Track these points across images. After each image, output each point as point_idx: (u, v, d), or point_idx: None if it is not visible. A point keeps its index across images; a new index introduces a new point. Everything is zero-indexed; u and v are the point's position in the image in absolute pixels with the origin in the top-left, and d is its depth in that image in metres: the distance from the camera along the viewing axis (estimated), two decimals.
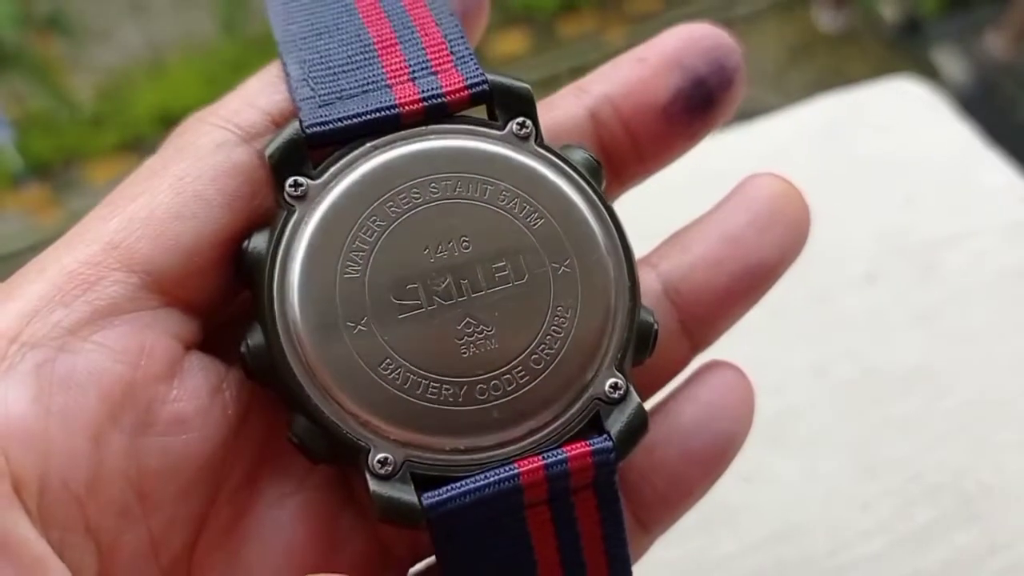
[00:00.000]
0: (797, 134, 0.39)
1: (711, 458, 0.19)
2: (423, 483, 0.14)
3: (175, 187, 0.15)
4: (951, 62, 1.18)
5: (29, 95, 1.48)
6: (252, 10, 1.44)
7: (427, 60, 0.16)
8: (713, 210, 0.19)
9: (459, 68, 0.16)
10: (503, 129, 0.16)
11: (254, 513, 0.16)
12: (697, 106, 0.18)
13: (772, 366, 0.33)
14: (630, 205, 0.41)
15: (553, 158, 0.16)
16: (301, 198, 0.15)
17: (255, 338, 0.15)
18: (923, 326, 0.33)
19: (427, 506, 0.14)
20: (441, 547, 0.15)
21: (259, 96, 0.16)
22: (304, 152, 0.15)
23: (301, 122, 0.15)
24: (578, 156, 0.17)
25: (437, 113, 0.16)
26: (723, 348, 0.33)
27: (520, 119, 0.16)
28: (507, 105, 0.16)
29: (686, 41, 0.18)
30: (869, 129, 0.39)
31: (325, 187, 0.15)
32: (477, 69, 0.16)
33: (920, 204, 0.36)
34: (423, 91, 0.16)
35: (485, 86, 0.16)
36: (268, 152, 0.15)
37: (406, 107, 0.16)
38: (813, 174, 0.38)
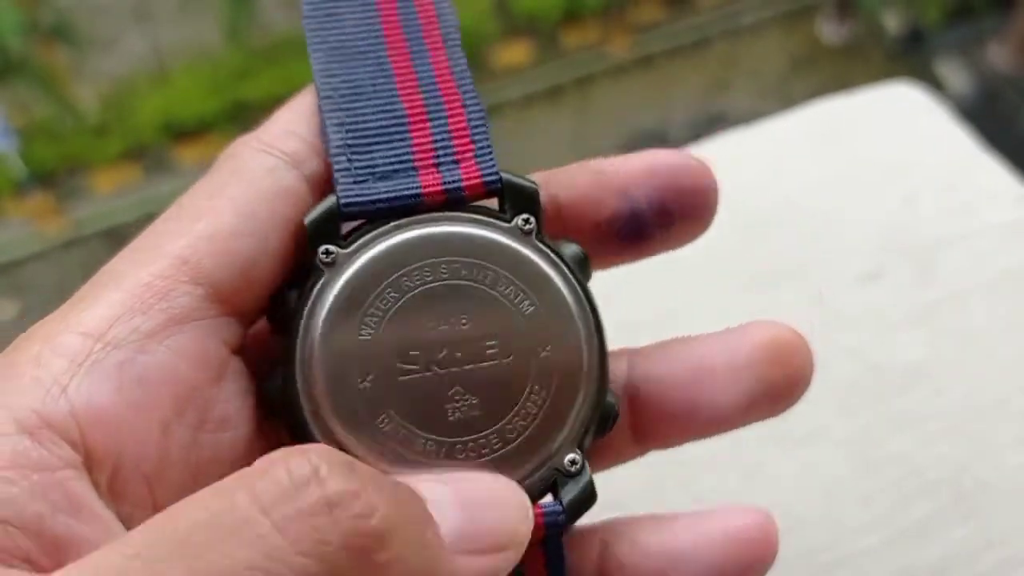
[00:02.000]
0: (797, 136, 0.40)
1: None
2: None
3: (234, 208, 0.17)
4: (954, 73, 1.18)
5: (33, 103, 1.49)
6: (256, 19, 1.46)
7: (452, 146, 0.18)
8: (711, 337, 0.19)
9: (478, 161, 0.18)
10: (510, 222, 0.18)
11: None
12: (627, 236, 0.19)
13: None
14: None
15: (549, 252, 0.18)
16: (330, 264, 0.17)
17: (275, 380, 0.17)
18: (922, 325, 0.34)
19: None
20: None
21: (298, 125, 0.18)
22: (337, 224, 0.18)
23: (339, 198, 0.18)
24: (569, 251, 0.19)
25: (455, 201, 0.18)
26: None
27: (525, 215, 0.18)
28: (515, 201, 0.18)
29: (644, 169, 0.19)
30: (868, 132, 0.39)
31: (351, 257, 0.17)
32: (493, 165, 0.18)
33: (919, 205, 0.37)
34: (445, 181, 0.18)
35: (499, 184, 0.18)
36: (307, 221, 0.17)
37: (429, 195, 0.18)
38: (813, 176, 0.38)
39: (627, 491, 0.31)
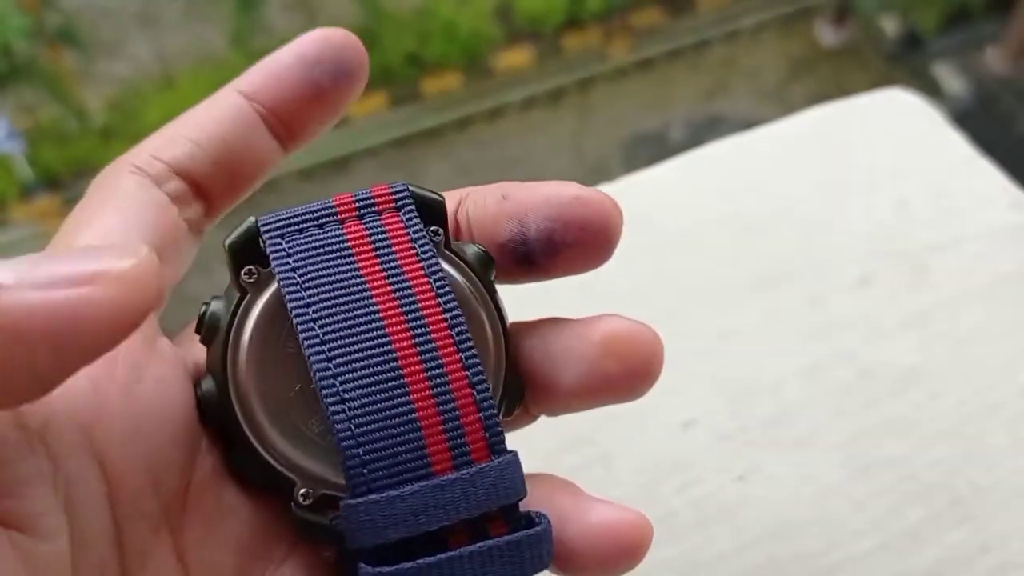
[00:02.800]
0: (793, 142, 0.40)
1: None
2: (330, 506, 0.18)
3: (119, 214, 0.19)
4: (951, 77, 1.19)
5: (40, 107, 1.49)
6: (261, 24, 1.46)
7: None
8: (570, 323, 0.20)
9: (391, 188, 0.19)
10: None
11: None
12: (518, 260, 0.20)
13: (767, 367, 0.33)
14: (635, 218, 0.41)
15: (454, 257, 0.19)
16: (253, 284, 0.18)
17: (207, 385, 0.18)
18: (916, 329, 0.34)
19: (333, 524, 0.18)
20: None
21: (163, 152, 0.20)
22: (257, 244, 0.18)
23: (256, 219, 0.18)
24: (470, 251, 0.19)
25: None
26: (720, 350, 0.34)
27: (434, 228, 0.19)
28: (425, 213, 0.19)
29: (542, 199, 0.19)
30: (863, 137, 0.40)
31: (272, 276, 0.18)
32: (404, 186, 0.19)
33: (913, 209, 0.37)
34: (357, 197, 0.19)
35: (406, 194, 0.19)
36: (227, 243, 0.18)
37: (341, 205, 0.19)
38: (809, 181, 0.39)
39: (624, 496, 0.31)
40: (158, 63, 1.54)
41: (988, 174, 0.38)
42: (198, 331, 0.19)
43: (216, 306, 0.19)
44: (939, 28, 1.31)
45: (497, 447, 0.17)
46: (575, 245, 0.19)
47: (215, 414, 0.18)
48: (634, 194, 0.39)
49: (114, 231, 0.18)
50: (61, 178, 1.55)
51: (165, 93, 1.55)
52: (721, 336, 0.34)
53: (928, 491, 0.31)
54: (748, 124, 0.42)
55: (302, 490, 0.18)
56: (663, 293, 0.36)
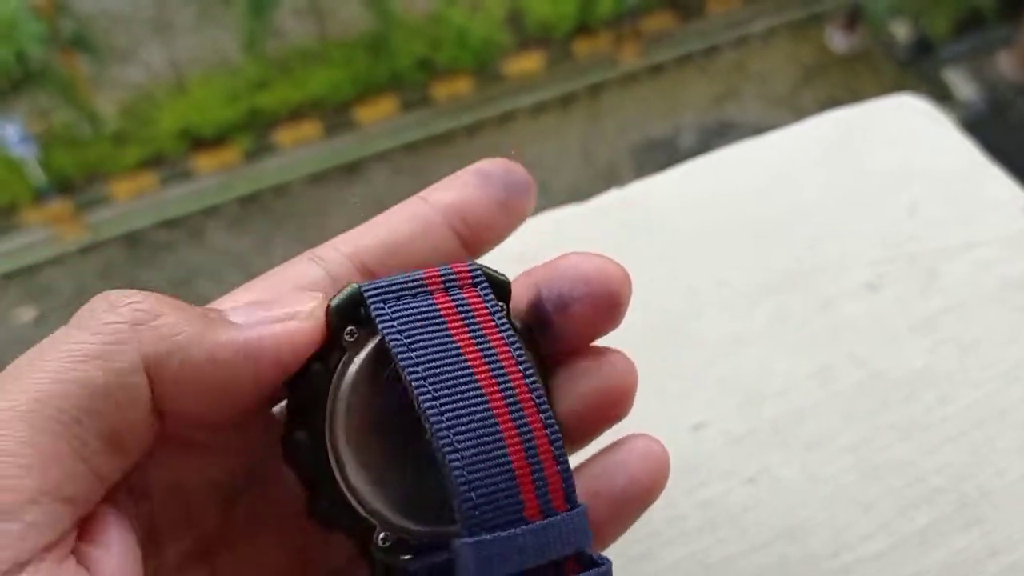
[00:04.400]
0: (803, 147, 0.40)
1: (627, 505, 0.23)
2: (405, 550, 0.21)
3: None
4: (963, 82, 1.18)
5: (53, 111, 1.51)
6: (273, 31, 1.47)
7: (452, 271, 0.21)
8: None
9: (470, 270, 0.22)
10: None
11: None
12: (538, 322, 0.22)
13: (777, 370, 0.34)
14: (646, 223, 0.41)
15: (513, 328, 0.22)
16: (352, 343, 0.20)
17: (301, 436, 0.20)
18: (925, 333, 0.34)
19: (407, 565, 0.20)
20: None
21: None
22: (358, 308, 0.20)
23: (360, 285, 0.20)
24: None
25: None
26: (730, 353, 0.34)
27: (501, 303, 0.21)
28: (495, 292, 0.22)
29: (550, 269, 0.22)
30: (874, 142, 0.40)
31: (366, 338, 0.20)
32: (478, 268, 0.22)
33: (923, 215, 0.37)
34: (442, 272, 0.21)
35: (480, 275, 0.22)
36: (334, 305, 0.20)
37: (429, 278, 0.21)
38: (818, 186, 0.39)
39: None
40: (171, 68, 1.55)
41: (999, 180, 0.38)
42: (292, 385, 0.20)
43: (316, 366, 0.20)
44: (950, 34, 1.31)
45: (571, 498, 0.20)
46: (583, 299, 0.22)
47: (307, 460, 0.20)
48: (645, 199, 0.39)
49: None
50: (73, 182, 1.56)
51: (177, 98, 1.56)
52: (731, 339, 0.35)
53: (937, 494, 0.31)
54: (758, 130, 0.42)
55: (381, 534, 0.20)
56: (673, 297, 0.36)
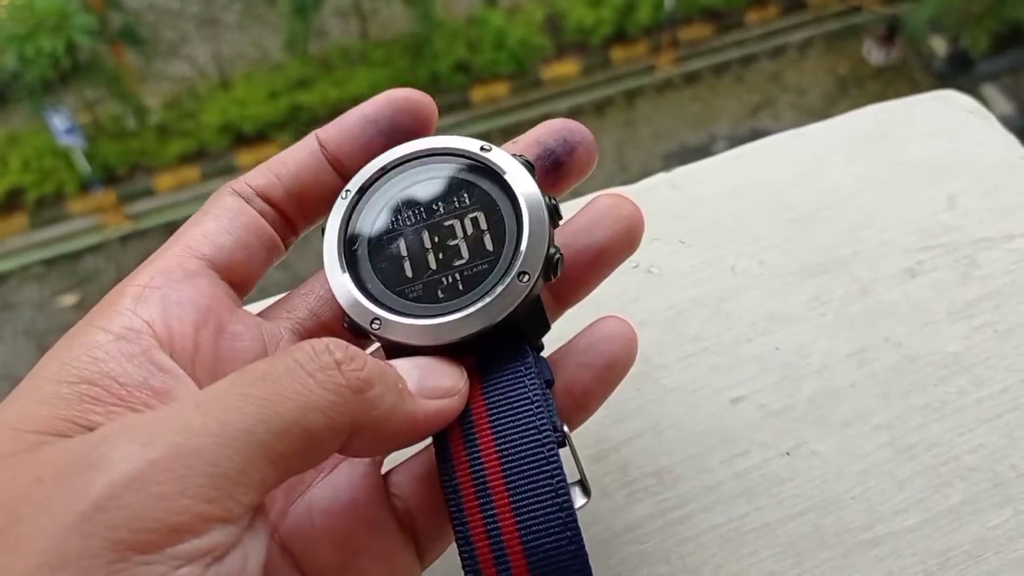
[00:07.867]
0: (845, 138, 0.41)
1: (602, 370, 0.28)
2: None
3: (217, 220, 0.27)
4: (1000, 98, 1.18)
5: (99, 103, 1.55)
6: (316, 30, 1.50)
7: None
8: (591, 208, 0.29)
9: None
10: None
11: None
12: (549, 167, 0.28)
13: (815, 350, 0.35)
14: (690, 206, 0.42)
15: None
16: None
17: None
18: (962, 320, 0.35)
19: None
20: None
21: (253, 180, 0.28)
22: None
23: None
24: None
25: None
26: (769, 332, 0.35)
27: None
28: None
29: (545, 128, 0.29)
30: (915, 134, 0.41)
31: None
32: None
33: (963, 206, 0.38)
34: None
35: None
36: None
37: None
38: (859, 176, 0.40)
39: (673, 465, 0.33)
40: (215, 64, 1.58)
41: None
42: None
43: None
44: (989, 50, 1.31)
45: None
46: (584, 141, 0.28)
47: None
48: (689, 182, 0.40)
49: (214, 231, 0.26)
50: (117, 173, 1.60)
51: (220, 94, 1.60)
52: (770, 318, 0.36)
53: (970, 473, 0.31)
54: None
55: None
56: (715, 275, 0.37)
